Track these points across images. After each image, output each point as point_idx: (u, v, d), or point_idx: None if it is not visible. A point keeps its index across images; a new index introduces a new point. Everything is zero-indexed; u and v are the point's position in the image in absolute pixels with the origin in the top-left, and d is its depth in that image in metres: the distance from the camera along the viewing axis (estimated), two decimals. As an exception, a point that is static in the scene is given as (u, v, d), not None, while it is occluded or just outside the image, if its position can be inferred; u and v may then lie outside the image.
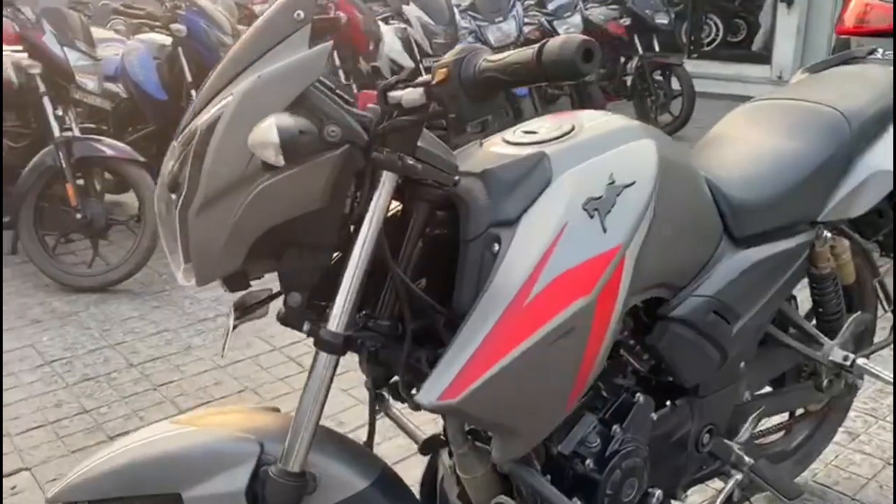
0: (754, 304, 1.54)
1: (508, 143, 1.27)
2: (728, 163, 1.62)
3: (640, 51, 6.62)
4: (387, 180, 1.07)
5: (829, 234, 1.67)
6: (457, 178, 1.19)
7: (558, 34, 5.85)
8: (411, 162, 1.06)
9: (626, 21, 6.68)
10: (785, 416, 2.09)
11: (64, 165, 3.53)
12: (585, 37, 0.91)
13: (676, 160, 1.38)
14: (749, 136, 1.72)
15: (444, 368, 1.05)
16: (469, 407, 1.05)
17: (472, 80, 0.98)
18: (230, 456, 1.11)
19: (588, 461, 1.35)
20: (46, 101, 3.58)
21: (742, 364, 1.59)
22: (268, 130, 0.92)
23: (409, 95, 1.03)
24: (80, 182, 3.64)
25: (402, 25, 5.38)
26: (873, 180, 1.67)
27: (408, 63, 5.30)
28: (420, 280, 1.19)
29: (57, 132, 3.58)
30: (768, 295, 1.56)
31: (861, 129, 1.68)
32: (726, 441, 1.63)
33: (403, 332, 1.15)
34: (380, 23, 5.45)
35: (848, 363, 1.72)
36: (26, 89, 3.63)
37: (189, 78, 4.10)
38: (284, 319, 1.13)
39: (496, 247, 1.13)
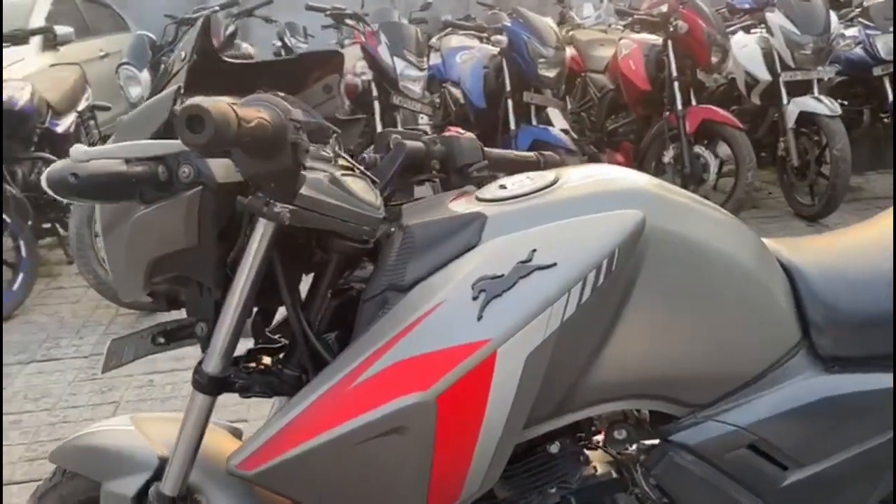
0: (838, 453, 1.10)
1: (478, 199, 1.12)
2: (857, 255, 1.18)
3: None
4: (261, 226, 1.03)
5: None
6: (392, 229, 1.10)
7: None
8: (279, 209, 1.00)
9: None
10: None
11: None
12: (196, 101, 0.77)
13: (699, 240, 1.06)
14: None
15: (257, 435, 0.99)
16: (268, 482, 0.98)
17: None
18: (133, 463, 1.19)
19: None
20: (376, 105, 4.07)
21: (831, 528, 1.15)
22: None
23: None
24: None
25: (766, 35, 4.80)
26: None
27: (764, 76, 4.72)
28: (331, 333, 1.12)
29: (379, 129, 4.05)
30: (872, 443, 1.10)
31: None
32: None
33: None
34: (740, 32, 4.95)
35: None
36: (364, 93, 4.17)
37: (508, 87, 4.25)
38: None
39: (381, 312, 1.02)
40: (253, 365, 1.15)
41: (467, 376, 0.93)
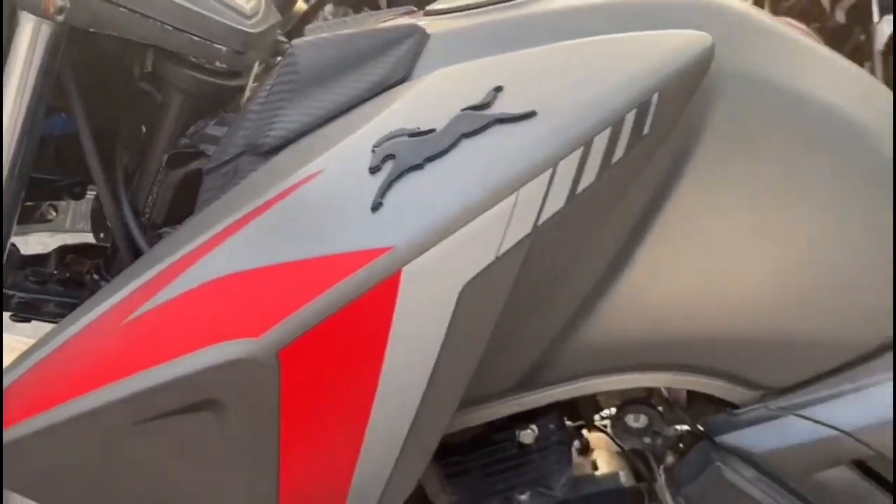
0: None
1: (427, 13, 0.68)
2: None
3: None
4: (28, 24, 0.59)
5: None
6: (277, 58, 0.67)
7: None
8: None
9: None
10: None
11: None
12: None
13: (813, 98, 0.60)
14: None
15: None
16: None
17: None
18: None
19: None
20: None
21: None
22: None
23: None
24: None
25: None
26: None
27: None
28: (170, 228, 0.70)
29: None
30: None
31: None
32: None
33: None
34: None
35: None
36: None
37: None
38: None
39: (223, 193, 0.59)
40: (56, 272, 0.74)
41: (340, 314, 0.49)
